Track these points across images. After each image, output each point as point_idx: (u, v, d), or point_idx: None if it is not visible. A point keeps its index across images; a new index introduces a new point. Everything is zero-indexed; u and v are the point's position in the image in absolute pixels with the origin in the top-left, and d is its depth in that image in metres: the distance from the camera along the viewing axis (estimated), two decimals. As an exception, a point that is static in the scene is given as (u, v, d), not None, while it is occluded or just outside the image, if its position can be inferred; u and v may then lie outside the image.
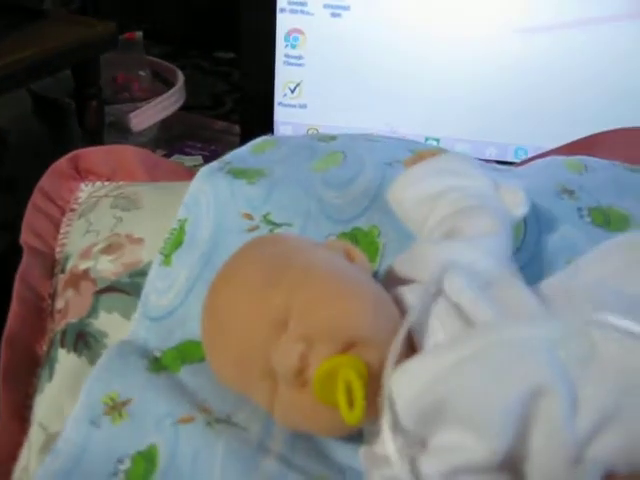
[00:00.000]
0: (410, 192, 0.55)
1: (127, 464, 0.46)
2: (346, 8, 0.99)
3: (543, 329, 0.40)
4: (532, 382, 0.37)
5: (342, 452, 0.46)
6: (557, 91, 1.00)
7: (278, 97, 1.05)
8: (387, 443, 0.41)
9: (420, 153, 0.59)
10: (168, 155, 1.36)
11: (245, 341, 0.44)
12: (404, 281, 0.48)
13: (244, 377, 0.45)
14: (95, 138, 1.22)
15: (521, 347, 0.39)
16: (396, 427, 0.41)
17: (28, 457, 0.52)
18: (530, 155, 0.94)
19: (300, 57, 1.02)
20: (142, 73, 1.40)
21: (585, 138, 0.79)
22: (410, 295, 0.46)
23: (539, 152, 0.83)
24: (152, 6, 1.65)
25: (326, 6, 1.00)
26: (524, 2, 0.98)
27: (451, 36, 1.00)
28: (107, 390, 0.50)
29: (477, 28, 0.99)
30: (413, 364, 0.41)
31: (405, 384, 0.41)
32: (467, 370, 0.39)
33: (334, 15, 0.99)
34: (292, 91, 1.04)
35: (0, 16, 1.14)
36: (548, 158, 0.71)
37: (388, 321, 0.43)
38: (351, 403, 0.39)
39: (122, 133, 1.29)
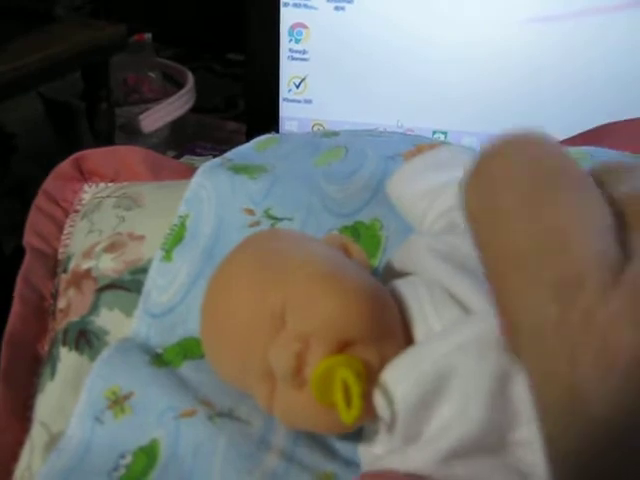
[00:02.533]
0: (409, 187, 0.54)
1: (128, 459, 0.46)
2: (349, 1, 0.98)
3: None
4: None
5: (347, 446, 0.46)
6: (566, 82, 0.98)
7: (283, 92, 1.05)
8: (382, 443, 0.41)
9: (419, 146, 0.58)
10: (179, 156, 1.36)
11: (243, 341, 0.43)
12: (402, 274, 0.47)
13: (243, 376, 0.44)
14: (105, 140, 1.22)
15: None
16: (393, 426, 0.40)
17: (30, 457, 0.52)
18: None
19: (304, 51, 1.02)
20: (152, 75, 1.40)
21: (594, 129, 0.78)
22: (407, 287, 0.45)
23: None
24: (163, 8, 1.65)
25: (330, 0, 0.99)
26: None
27: (458, 28, 0.98)
28: (109, 384, 0.50)
29: (484, 20, 0.98)
30: (409, 355, 0.41)
31: (401, 376, 0.40)
32: (467, 352, 0.39)
33: (338, 9, 0.98)
34: (297, 86, 1.03)
35: (10, 20, 1.15)
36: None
37: (385, 317, 0.42)
38: (349, 403, 0.39)
39: (133, 135, 1.29)
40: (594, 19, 0.95)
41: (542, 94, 1.00)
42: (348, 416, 0.38)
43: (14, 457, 0.53)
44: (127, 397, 0.49)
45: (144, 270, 0.58)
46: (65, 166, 0.71)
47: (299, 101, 1.05)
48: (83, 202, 0.70)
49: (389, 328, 0.42)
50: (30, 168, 1.23)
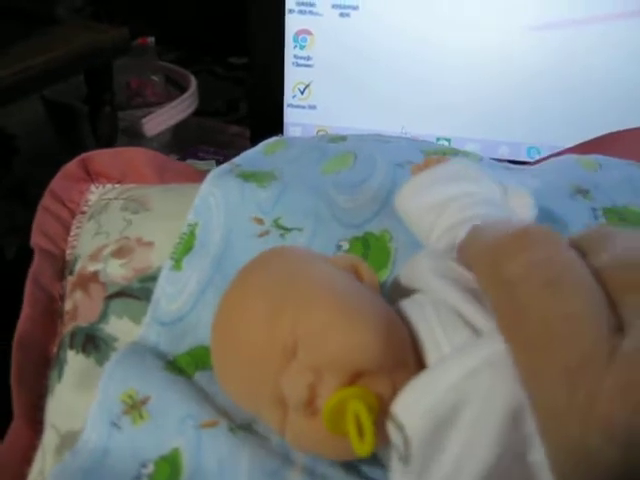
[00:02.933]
0: (415, 201, 0.53)
1: (150, 468, 0.46)
2: (355, 8, 0.99)
3: None
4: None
5: (367, 463, 0.45)
6: (571, 89, 0.99)
7: (288, 98, 1.05)
8: (398, 472, 0.40)
9: (427, 160, 0.57)
10: (181, 160, 1.36)
11: (254, 367, 0.43)
12: (408, 292, 0.47)
13: (254, 401, 0.44)
14: (108, 143, 1.22)
15: None
16: (407, 457, 0.40)
17: (43, 460, 0.52)
18: (543, 154, 0.93)
19: (309, 58, 1.02)
20: (155, 78, 1.40)
21: (600, 137, 0.78)
22: (414, 308, 0.44)
23: (552, 151, 0.82)
24: (165, 12, 1.66)
25: (334, 6, 0.99)
26: (535, 0, 0.97)
27: (462, 35, 0.99)
28: (124, 387, 0.49)
29: (489, 27, 0.98)
30: (420, 382, 0.40)
31: (411, 405, 0.40)
32: (479, 379, 0.38)
33: (343, 15, 0.99)
34: (302, 92, 1.04)
35: (12, 22, 1.15)
36: (562, 157, 0.70)
37: (398, 347, 0.42)
38: (361, 434, 0.38)
39: (135, 138, 1.29)
40: (595, 27, 0.96)
41: (545, 100, 1.00)
42: (361, 448, 0.38)
43: (27, 460, 0.53)
44: (144, 402, 0.48)
45: (153, 278, 0.58)
46: (72, 167, 0.71)
47: (303, 107, 1.06)
48: (89, 203, 0.70)
49: (401, 357, 0.41)
50: (31, 170, 1.23)
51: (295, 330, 0.41)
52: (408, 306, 0.45)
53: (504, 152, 1.04)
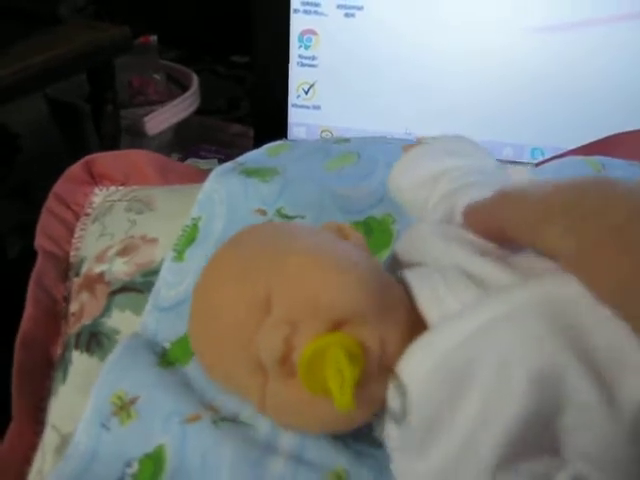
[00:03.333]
0: (409, 176, 0.52)
1: (135, 467, 0.45)
2: (360, 8, 0.98)
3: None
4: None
5: (359, 437, 0.44)
6: (574, 91, 0.99)
7: (292, 98, 1.05)
8: (389, 438, 0.38)
9: (420, 138, 0.56)
10: (183, 159, 1.36)
11: (231, 335, 0.41)
12: (407, 265, 0.45)
13: (234, 375, 0.42)
14: (111, 142, 1.22)
15: (560, 305, 0.35)
16: (407, 424, 0.37)
17: (42, 460, 0.52)
18: (547, 156, 0.93)
19: (314, 58, 1.02)
20: (157, 77, 1.40)
21: (603, 139, 0.78)
22: (416, 275, 0.42)
23: (556, 153, 0.82)
24: (167, 11, 1.65)
25: (340, 6, 0.99)
26: (539, 2, 0.97)
27: (467, 36, 0.99)
28: (115, 389, 0.49)
29: (493, 29, 0.98)
30: (425, 340, 0.37)
31: (419, 361, 0.37)
32: (499, 330, 0.35)
33: (348, 15, 0.99)
34: (306, 92, 1.04)
35: (14, 22, 1.15)
36: (565, 158, 0.71)
37: (385, 295, 0.39)
38: (343, 387, 0.35)
39: (137, 137, 1.29)
40: (598, 29, 0.95)
41: (549, 102, 1.00)
42: (341, 401, 0.34)
43: (27, 460, 0.53)
44: (133, 402, 0.48)
45: (156, 272, 0.58)
46: (76, 169, 0.71)
47: (308, 107, 1.06)
48: (94, 205, 0.70)
49: (389, 308, 0.38)
50: (34, 169, 1.23)
51: (269, 285, 0.39)
52: (410, 275, 0.42)
53: (508, 153, 1.04)
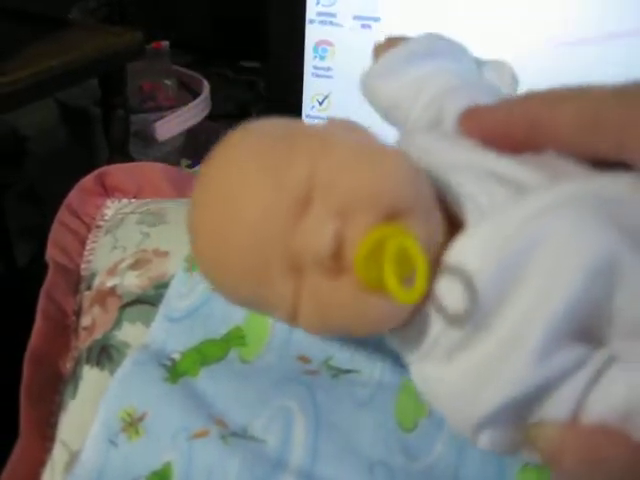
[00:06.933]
0: (389, 82, 0.47)
1: None
2: (377, 20, 0.97)
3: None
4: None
5: (372, 444, 0.44)
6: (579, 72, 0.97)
7: (306, 109, 1.04)
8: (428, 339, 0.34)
9: (389, 39, 0.50)
10: (193, 164, 1.36)
11: (257, 230, 0.35)
12: None
13: (258, 279, 0.36)
14: (120, 147, 1.22)
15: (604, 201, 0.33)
16: (463, 314, 0.33)
17: (51, 477, 0.51)
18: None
19: (329, 69, 1.01)
20: (168, 82, 1.40)
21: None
22: (439, 176, 0.37)
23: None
24: (179, 16, 1.65)
25: (356, 17, 0.98)
26: (565, 14, 0.96)
27: (484, 50, 0.98)
28: (124, 405, 0.49)
29: (516, 42, 0.97)
30: (480, 227, 0.34)
31: (477, 243, 0.34)
32: (553, 217, 0.33)
33: (364, 27, 0.98)
34: (320, 103, 1.03)
35: (26, 25, 1.15)
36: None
37: (427, 190, 0.35)
38: (404, 280, 0.31)
39: (147, 142, 1.29)
40: (628, 41, 0.94)
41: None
42: (409, 295, 0.31)
43: (35, 477, 0.52)
44: (141, 418, 0.48)
45: (169, 285, 0.58)
46: (88, 181, 0.71)
47: (322, 118, 1.04)
48: (106, 218, 0.70)
49: (431, 202, 0.35)
50: (42, 172, 1.23)
51: (310, 172, 0.34)
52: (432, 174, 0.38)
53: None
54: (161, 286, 0.58)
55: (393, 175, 0.34)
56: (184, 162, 1.34)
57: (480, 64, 0.49)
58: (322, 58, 1.00)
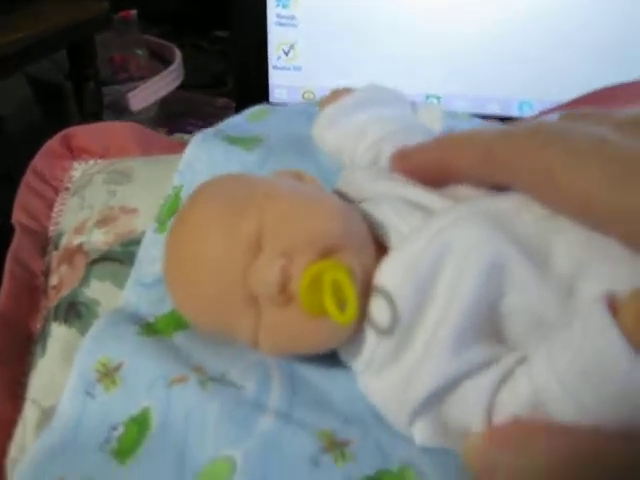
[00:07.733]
0: (333, 132, 0.56)
1: (120, 430, 0.45)
2: (339, -33, 0.96)
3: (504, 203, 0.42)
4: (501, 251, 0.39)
5: (346, 399, 0.45)
6: (564, 41, 0.97)
7: (272, 60, 1.03)
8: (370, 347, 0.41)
9: (334, 92, 0.60)
10: (169, 133, 1.34)
11: (219, 277, 0.43)
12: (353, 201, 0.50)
13: (223, 315, 0.44)
14: (93, 119, 1.20)
15: (494, 215, 0.41)
16: (391, 326, 0.41)
17: (24, 435, 0.51)
18: (536, 110, 0.92)
19: (293, 17, 1.00)
20: (139, 52, 1.38)
21: (595, 92, 0.76)
22: (368, 207, 0.47)
23: (545, 106, 0.81)
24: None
25: (318, -36, 0.97)
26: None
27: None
28: (98, 356, 0.49)
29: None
30: (397, 251, 0.42)
31: (393, 268, 0.41)
32: (453, 232, 0.40)
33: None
34: (286, 53, 1.02)
35: (-10, 0, 1.12)
36: (548, 116, 0.69)
37: (359, 227, 0.44)
38: (341, 304, 0.39)
39: (121, 113, 1.28)
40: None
41: (539, 53, 0.98)
42: (344, 317, 0.39)
43: (9, 436, 0.52)
44: (117, 368, 0.48)
45: (137, 242, 0.58)
46: (54, 143, 0.70)
47: (288, 68, 1.04)
48: (73, 179, 0.69)
49: (364, 238, 0.44)
50: (18, 150, 1.21)
51: (258, 225, 0.42)
52: (362, 208, 0.47)
53: (495, 108, 1.02)
54: (128, 243, 0.58)
55: (326, 219, 0.43)
56: (160, 131, 1.32)
57: (415, 108, 0.58)
58: (285, 6, 0.99)
